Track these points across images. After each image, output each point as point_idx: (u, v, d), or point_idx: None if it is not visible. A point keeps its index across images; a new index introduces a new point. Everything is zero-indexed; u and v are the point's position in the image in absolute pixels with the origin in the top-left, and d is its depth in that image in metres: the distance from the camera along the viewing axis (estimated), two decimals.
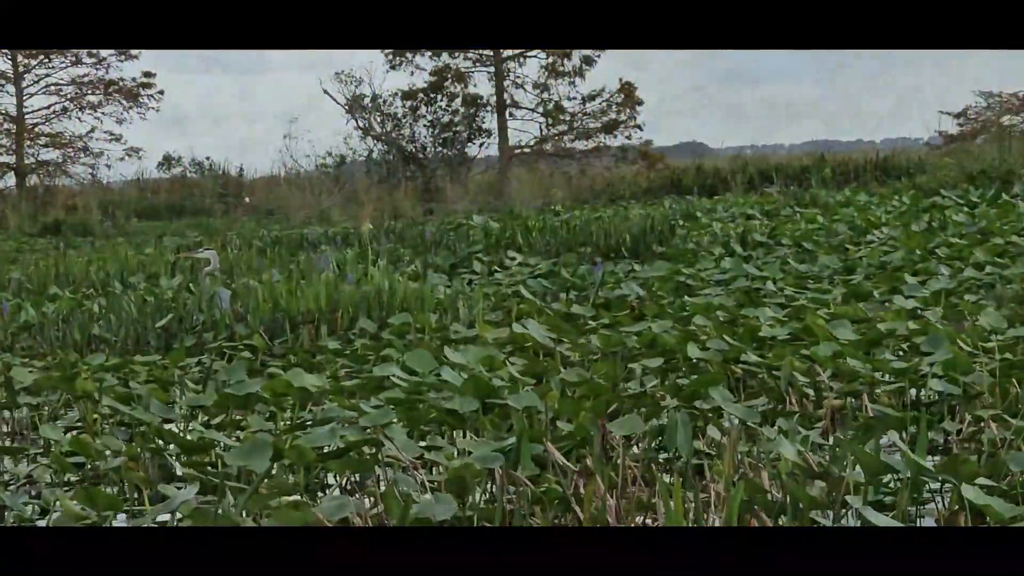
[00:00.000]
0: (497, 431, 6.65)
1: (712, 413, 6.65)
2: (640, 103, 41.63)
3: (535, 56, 41.54)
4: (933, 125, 66.07)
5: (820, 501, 4.72)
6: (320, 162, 40.71)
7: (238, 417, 7.62)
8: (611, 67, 64.57)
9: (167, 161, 41.11)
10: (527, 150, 41.84)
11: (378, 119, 41.31)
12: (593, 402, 6.83)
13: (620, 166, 40.67)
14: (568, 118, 41.43)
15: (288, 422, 7.36)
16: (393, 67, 41.71)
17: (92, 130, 41.59)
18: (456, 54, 41.42)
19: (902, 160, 32.34)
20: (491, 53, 41.44)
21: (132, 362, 9.71)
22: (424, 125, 41.11)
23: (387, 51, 41.16)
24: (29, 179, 40.89)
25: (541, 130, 41.74)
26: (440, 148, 40.93)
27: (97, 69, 41.60)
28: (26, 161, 41.12)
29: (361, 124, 41.26)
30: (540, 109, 41.57)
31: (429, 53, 41.36)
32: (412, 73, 41.78)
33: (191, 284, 13.90)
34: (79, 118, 41.71)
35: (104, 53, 41.36)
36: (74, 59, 41.38)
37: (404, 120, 41.18)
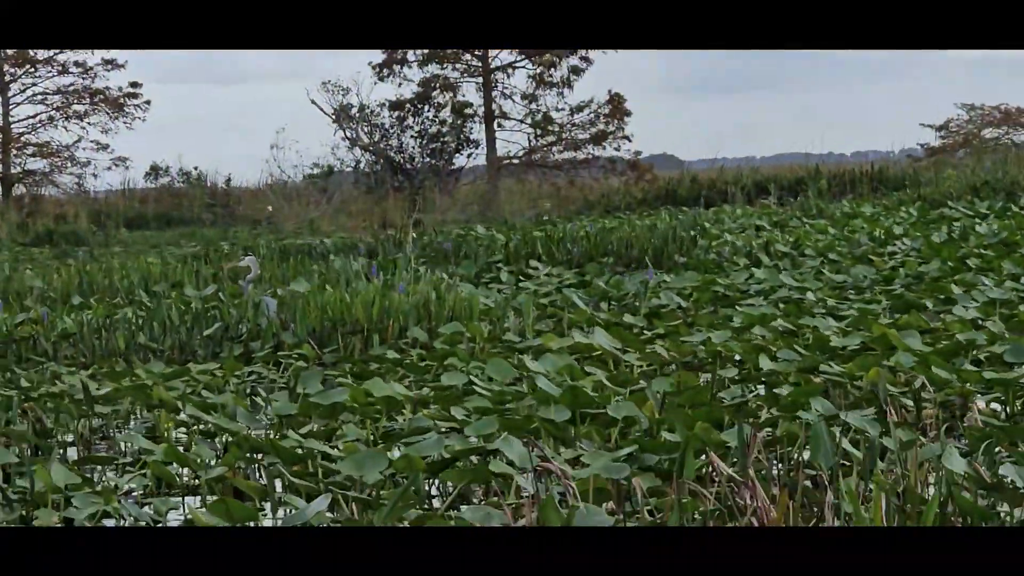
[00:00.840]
0: (603, 441, 6.57)
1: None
2: (628, 114, 41.57)
3: (523, 66, 41.44)
4: (907, 138, 66.32)
5: (989, 512, 4.65)
6: (307, 172, 40.49)
7: (308, 426, 7.51)
8: (595, 79, 64.33)
9: (154, 171, 40.79)
10: (515, 161, 41.72)
11: (365, 129, 41.13)
12: (694, 411, 6.74)
13: (609, 177, 40.54)
14: (556, 129, 41.31)
15: (373, 432, 7.26)
16: (381, 78, 41.52)
17: (79, 140, 41.29)
18: (444, 64, 41.26)
19: (896, 172, 32.40)
20: (479, 63, 41.33)
21: (188, 371, 9.58)
22: (412, 136, 40.95)
23: (374, 63, 40.98)
24: (15, 188, 40.55)
25: (529, 141, 41.62)
26: (428, 158, 40.77)
27: (83, 78, 41.26)
28: (12, 170, 40.79)
29: (348, 134, 41.08)
30: (528, 120, 41.45)
31: (417, 63, 41.19)
32: (400, 84, 41.60)
33: (220, 292, 13.76)
34: (65, 127, 41.39)
35: (90, 63, 41.05)
36: (60, 68, 41.08)
37: (392, 130, 40.99)
